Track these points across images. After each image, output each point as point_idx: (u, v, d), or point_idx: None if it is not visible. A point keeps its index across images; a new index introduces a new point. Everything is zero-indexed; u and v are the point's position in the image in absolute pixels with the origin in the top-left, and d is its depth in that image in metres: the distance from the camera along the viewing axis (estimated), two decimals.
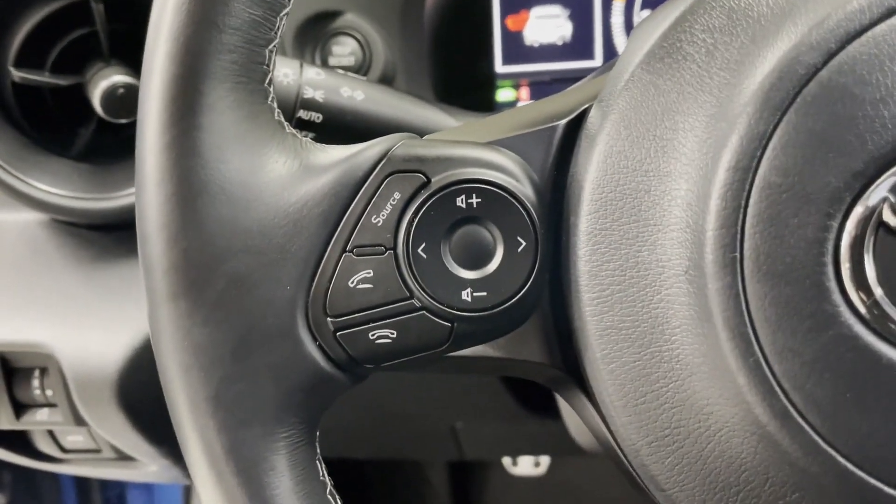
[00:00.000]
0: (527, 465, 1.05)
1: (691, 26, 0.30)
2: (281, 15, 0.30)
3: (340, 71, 0.48)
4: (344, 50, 0.56)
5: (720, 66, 0.29)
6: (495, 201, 0.31)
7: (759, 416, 0.27)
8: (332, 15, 0.56)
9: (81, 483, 0.99)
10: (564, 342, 0.32)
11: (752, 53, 0.28)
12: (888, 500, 0.26)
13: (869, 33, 0.26)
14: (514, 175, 0.31)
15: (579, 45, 0.62)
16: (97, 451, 0.62)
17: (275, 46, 0.31)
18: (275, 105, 0.31)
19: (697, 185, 0.28)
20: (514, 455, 1.02)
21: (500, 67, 0.62)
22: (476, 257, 0.31)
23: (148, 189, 0.30)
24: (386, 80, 0.57)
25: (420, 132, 0.48)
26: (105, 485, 1.01)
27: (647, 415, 0.30)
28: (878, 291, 0.26)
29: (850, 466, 0.27)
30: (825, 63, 0.26)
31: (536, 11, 0.62)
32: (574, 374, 0.32)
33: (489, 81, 0.62)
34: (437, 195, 0.31)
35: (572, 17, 0.62)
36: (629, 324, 0.30)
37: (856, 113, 0.26)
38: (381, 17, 0.56)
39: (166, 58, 0.29)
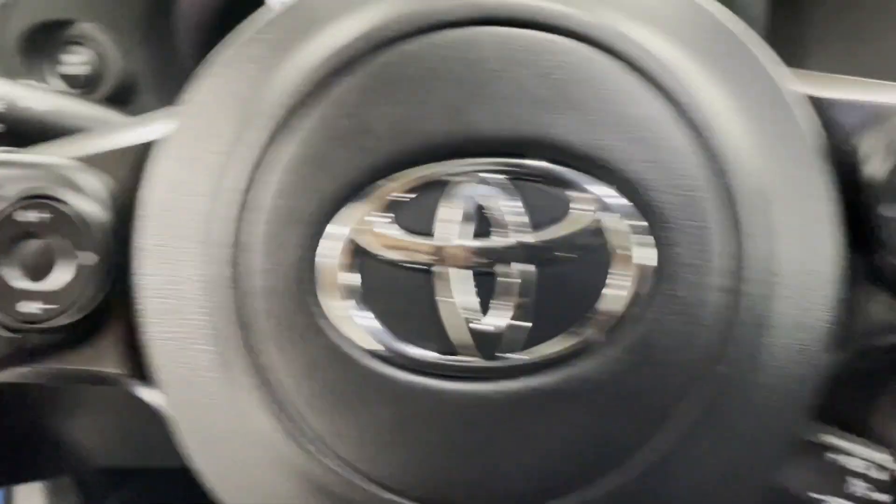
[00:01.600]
0: None
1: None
2: None
3: (32, 82, 0.48)
4: (76, 59, 0.56)
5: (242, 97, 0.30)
6: (65, 217, 0.32)
7: (270, 430, 0.29)
8: (63, 24, 0.56)
9: None
10: (140, 354, 0.33)
11: (263, 80, 0.30)
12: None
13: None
14: (89, 192, 0.32)
15: None
16: None
17: None
18: None
19: (213, 205, 0.29)
20: None
21: None
22: (46, 271, 0.32)
23: None
24: (125, 90, 0.57)
25: None
26: None
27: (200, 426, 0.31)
28: (349, 303, 0.28)
29: (332, 463, 0.28)
30: (312, 93, 0.28)
31: None
32: (153, 385, 0.33)
33: None
34: (11, 209, 0.32)
35: None
36: (181, 334, 0.31)
37: (334, 144, 0.28)
38: (118, 27, 0.56)
39: None
